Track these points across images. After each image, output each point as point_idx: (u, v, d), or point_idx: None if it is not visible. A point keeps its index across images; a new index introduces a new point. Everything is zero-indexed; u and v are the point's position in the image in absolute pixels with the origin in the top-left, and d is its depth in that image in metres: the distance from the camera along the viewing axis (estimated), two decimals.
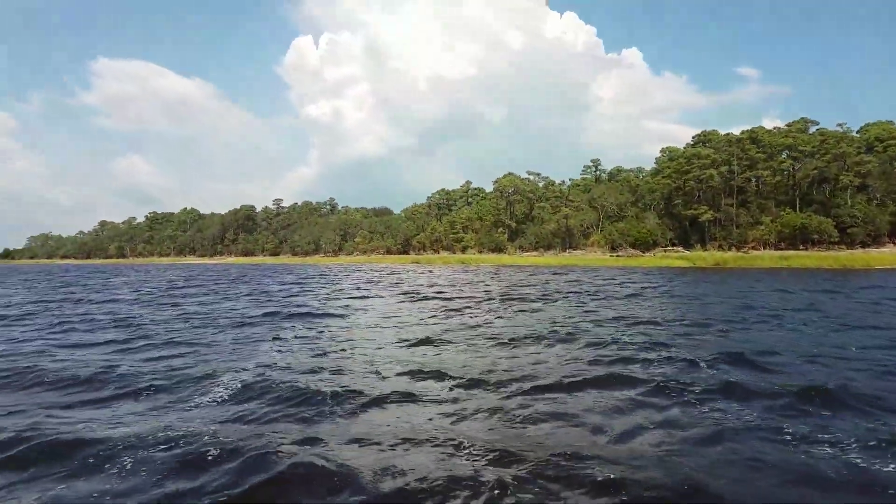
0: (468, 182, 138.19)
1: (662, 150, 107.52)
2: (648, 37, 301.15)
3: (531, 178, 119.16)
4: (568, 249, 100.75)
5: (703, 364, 8.89)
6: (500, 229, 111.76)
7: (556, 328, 13.25)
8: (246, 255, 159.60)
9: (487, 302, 21.36)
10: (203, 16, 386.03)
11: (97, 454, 5.27)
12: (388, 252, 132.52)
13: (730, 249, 79.35)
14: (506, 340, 11.52)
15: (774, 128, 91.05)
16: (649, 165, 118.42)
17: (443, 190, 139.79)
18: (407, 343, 11.37)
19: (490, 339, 11.82)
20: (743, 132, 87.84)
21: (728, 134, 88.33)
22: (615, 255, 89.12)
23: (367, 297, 24.04)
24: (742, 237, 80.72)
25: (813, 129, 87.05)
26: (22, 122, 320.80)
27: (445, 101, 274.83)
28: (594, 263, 76.39)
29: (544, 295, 24.51)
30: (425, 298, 22.96)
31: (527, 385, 7.79)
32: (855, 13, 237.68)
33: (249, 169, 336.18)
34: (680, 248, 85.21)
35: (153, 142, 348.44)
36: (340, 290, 29.66)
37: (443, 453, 5.37)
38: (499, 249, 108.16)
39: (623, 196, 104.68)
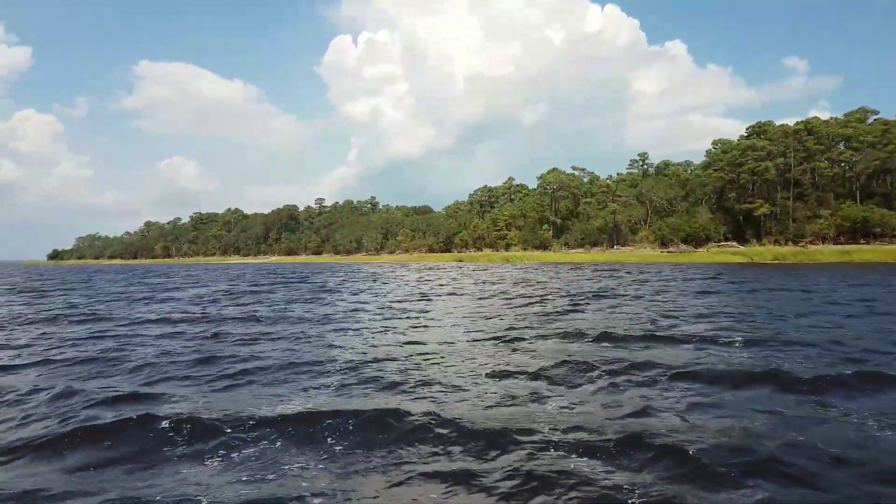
0: (511, 178, 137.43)
1: (714, 143, 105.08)
2: (692, 28, 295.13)
3: (576, 173, 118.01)
4: (616, 246, 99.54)
5: None
6: (545, 226, 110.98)
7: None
8: (289, 254, 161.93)
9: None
10: (241, 18, 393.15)
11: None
12: (430, 250, 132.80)
13: (786, 244, 77.32)
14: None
15: (831, 118, 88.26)
16: (696, 159, 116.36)
17: (485, 187, 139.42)
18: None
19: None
20: (798, 123, 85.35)
21: (783, 125, 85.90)
22: (666, 250, 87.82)
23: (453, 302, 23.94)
24: (799, 231, 78.56)
25: (871, 119, 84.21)
26: (69, 127, 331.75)
27: (484, 99, 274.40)
28: (645, 260, 75.42)
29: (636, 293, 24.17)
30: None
31: None
32: None
33: (290, 169, 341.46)
34: (734, 243, 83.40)
35: (195, 144, 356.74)
36: (425, 293, 29.78)
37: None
38: (543, 247, 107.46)
39: (673, 190, 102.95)
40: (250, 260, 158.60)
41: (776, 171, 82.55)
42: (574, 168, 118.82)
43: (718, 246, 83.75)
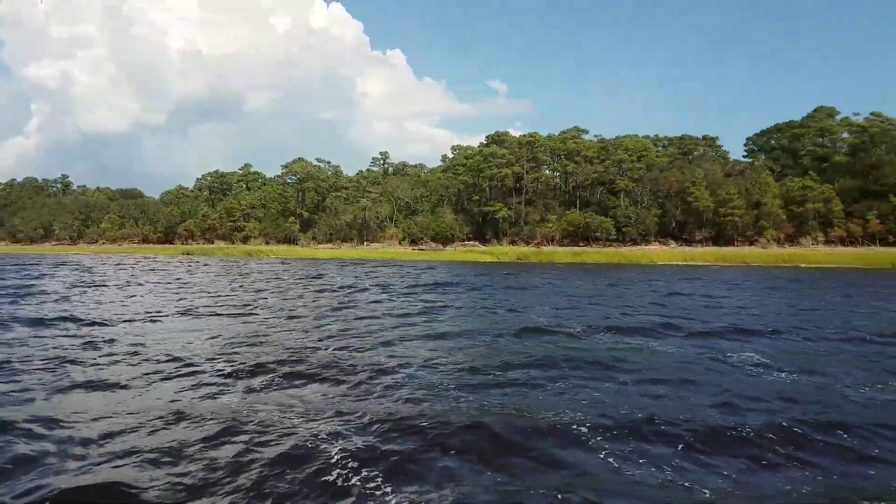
0: (248, 165, 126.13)
1: (454, 148, 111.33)
2: (410, 41, 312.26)
3: (321, 165, 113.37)
4: (365, 242, 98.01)
5: None
6: (291, 219, 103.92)
7: None
8: None
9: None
10: None
11: None
12: (145, 240, 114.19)
13: (520, 244, 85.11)
14: None
15: (549, 135, 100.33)
16: (420, 162, 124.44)
17: (217, 172, 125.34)
18: None
19: None
20: (523, 136, 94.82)
21: (519, 137, 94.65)
22: (417, 248, 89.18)
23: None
24: (532, 233, 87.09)
25: (588, 137, 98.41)
26: None
27: (203, 77, 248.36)
28: (398, 256, 74.99)
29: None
30: None
31: None
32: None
33: None
34: (476, 243, 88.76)
35: None
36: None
37: None
38: (290, 240, 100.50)
39: (417, 190, 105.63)
40: None
41: (512, 177, 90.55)
42: (319, 160, 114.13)
43: (463, 245, 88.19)
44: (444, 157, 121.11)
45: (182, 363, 9.37)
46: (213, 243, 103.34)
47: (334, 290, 24.15)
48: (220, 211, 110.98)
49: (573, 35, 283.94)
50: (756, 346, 11.58)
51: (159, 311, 16.09)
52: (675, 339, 12.32)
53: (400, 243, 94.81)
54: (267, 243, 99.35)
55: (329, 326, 13.74)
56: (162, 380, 8.44)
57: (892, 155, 71.77)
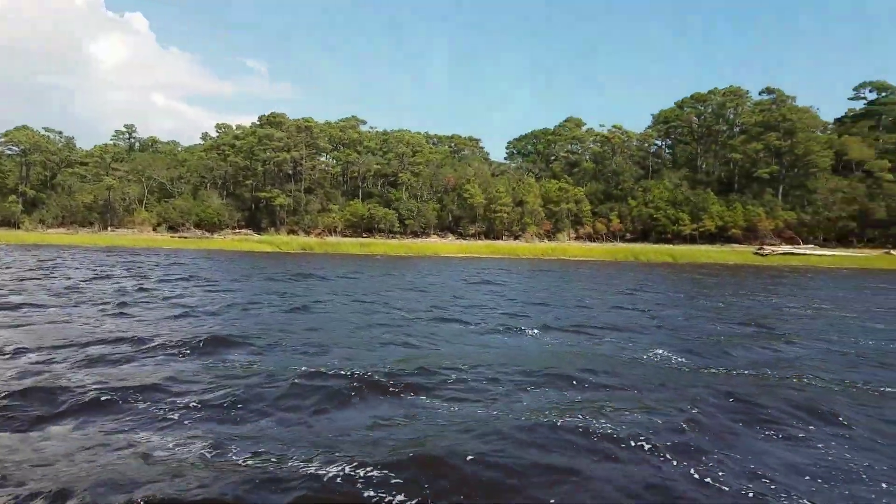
0: None
1: (219, 127, 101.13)
2: (155, 3, 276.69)
3: (51, 136, 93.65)
4: (110, 227, 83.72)
5: None
6: (12, 198, 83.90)
7: None
8: None
9: None
10: None
11: None
12: None
13: (302, 234, 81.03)
14: None
15: (326, 122, 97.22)
16: (164, 139, 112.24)
17: None
18: None
19: None
20: (300, 120, 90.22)
21: (297, 120, 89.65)
22: (178, 235, 78.94)
23: None
24: (314, 223, 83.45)
25: (365, 128, 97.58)
26: None
27: None
28: (155, 245, 65.52)
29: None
30: None
31: None
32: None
33: None
34: (250, 231, 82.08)
35: None
36: None
37: None
38: (10, 223, 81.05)
39: (174, 170, 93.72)
40: None
41: (291, 163, 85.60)
42: (46, 129, 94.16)
43: (235, 233, 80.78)
44: (206, 136, 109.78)
45: None
46: None
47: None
48: None
49: (343, 21, 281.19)
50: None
51: None
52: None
53: (154, 229, 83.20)
54: None
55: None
56: None
57: (629, 163, 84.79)
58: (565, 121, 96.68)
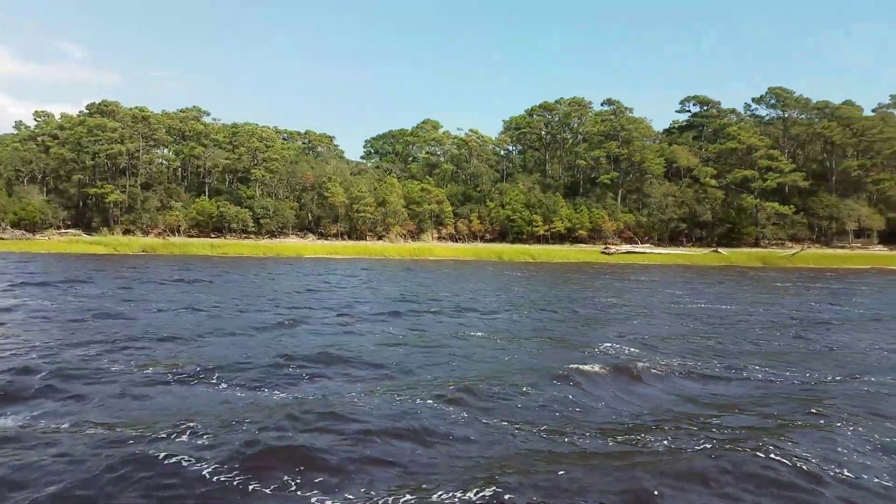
0: None
1: (37, 115, 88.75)
2: None
3: None
4: None
5: None
6: None
7: None
8: None
9: None
10: None
11: None
12: None
13: (140, 234, 73.40)
14: None
15: (163, 112, 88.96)
16: None
17: None
18: None
19: None
20: (135, 109, 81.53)
21: (133, 109, 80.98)
22: None
23: None
24: (153, 222, 75.97)
25: (208, 119, 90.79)
26: None
27: None
28: None
29: None
30: None
31: None
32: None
33: None
34: (79, 231, 72.72)
35: None
36: None
37: None
38: None
39: None
40: None
41: (127, 156, 77.22)
42: None
43: (61, 233, 71.10)
44: (20, 125, 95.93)
45: None
46: None
47: None
48: None
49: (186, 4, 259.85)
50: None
51: None
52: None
53: None
54: None
55: None
56: None
57: (485, 167, 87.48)
58: (423, 122, 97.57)
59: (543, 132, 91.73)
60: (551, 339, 11.81)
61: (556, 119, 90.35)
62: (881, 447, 5.64)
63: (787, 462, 5.09)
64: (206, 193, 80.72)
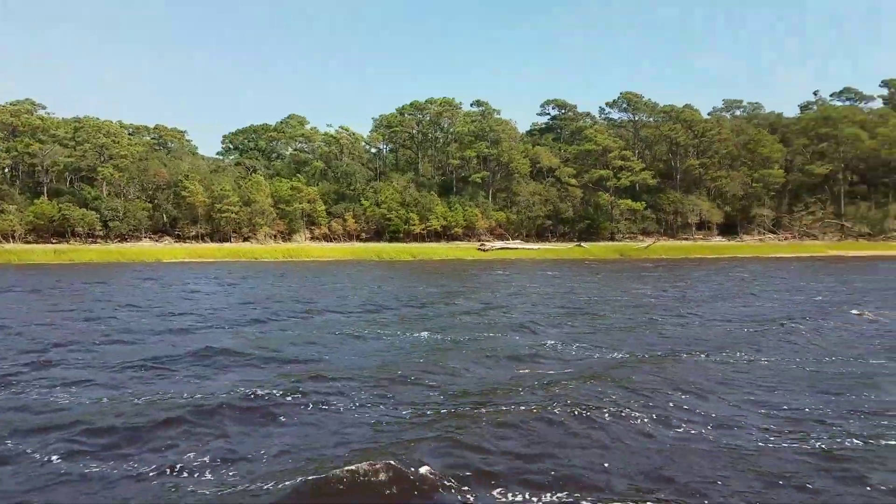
0: None
1: None
2: None
3: None
4: None
5: None
6: None
7: None
8: None
9: None
10: None
11: None
12: None
13: None
14: None
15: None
16: None
17: None
18: None
19: None
20: None
21: None
22: None
23: None
24: None
25: (40, 112, 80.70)
26: None
27: None
28: None
29: None
30: None
31: None
32: None
33: None
34: None
35: None
36: None
37: None
38: None
39: None
40: None
41: None
42: None
43: None
44: None
45: None
46: None
47: None
48: None
49: None
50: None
51: None
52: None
53: None
54: None
55: None
56: None
57: (358, 165, 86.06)
58: (287, 118, 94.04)
59: (415, 131, 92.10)
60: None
61: (427, 118, 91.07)
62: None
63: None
64: (45, 195, 71.68)
